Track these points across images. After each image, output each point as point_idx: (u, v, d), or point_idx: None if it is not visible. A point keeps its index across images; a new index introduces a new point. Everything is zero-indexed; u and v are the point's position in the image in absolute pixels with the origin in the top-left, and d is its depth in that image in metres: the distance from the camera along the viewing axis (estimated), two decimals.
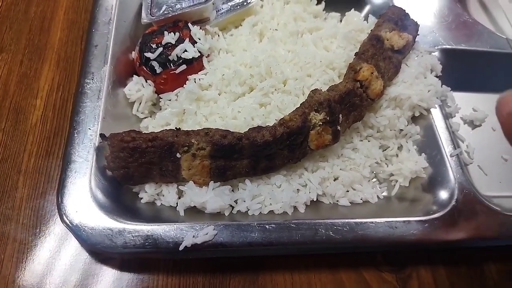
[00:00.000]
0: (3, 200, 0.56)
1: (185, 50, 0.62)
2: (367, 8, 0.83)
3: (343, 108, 0.60)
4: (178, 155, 0.53)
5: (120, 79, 0.64)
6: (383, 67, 0.67)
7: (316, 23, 0.75)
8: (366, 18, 0.80)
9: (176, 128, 0.55)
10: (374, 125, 0.66)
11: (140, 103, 0.63)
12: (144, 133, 0.54)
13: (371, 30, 0.70)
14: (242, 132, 0.55)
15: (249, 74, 0.63)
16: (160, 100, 0.64)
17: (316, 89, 0.59)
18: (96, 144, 0.55)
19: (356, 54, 0.66)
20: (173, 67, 0.62)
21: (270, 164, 0.56)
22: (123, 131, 0.54)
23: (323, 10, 0.80)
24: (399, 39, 0.69)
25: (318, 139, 0.58)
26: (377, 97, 0.64)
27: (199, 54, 0.64)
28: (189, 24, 0.66)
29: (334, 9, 0.82)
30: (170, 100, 0.64)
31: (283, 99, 0.61)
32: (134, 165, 0.53)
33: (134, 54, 0.67)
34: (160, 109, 0.65)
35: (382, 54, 0.67)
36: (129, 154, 0.53)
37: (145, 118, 0.64)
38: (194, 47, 0.63)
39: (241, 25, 0.74)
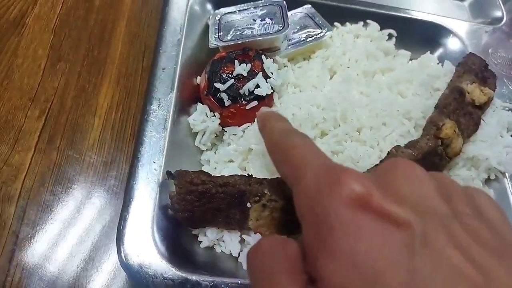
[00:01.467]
0: None
1: (258, 86, 0.58)
2: (439, 51, 0.79)
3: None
4: (248, 204, 0.49)
5: (184, 106, 0.60)
6: (464, 124, 0.62)
7: (389, 63, 0.71)
8: (438, 61, 0.75)
9: (248, 174, 0.51)
10: None
11: (203, 135, 0.59)
12: (214, 176, 0.50)
13: (450, 81, 0.66)
14: None
15: (322, 117, 0.59)
16: (225, 133, 0.61)
17: (398, 146, 0.54)
18: (160, 180, 0.51)
19: (436, 106, 0.62)
20: (243, 102, 0.58)
21: None
22: (190, 171, 0.50)
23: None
24: (480, 94, 0.64)
25: None
26: (455, 156, 0.60)
27: (272, 91, 0.59)
28: (262, 56, 0.61)
29: (404, 46, 0.78)
30: (235, 135, 0.60)
31: (357, 148, 0.57)
32: (200, 209, 0.50)
33: (199, 80, 0.63)
34: (223, 142, 0.61)
35: (463, 109, 0.63)
36: (196, 197, 0.49)
37: (207, 150, 0.60)
38: (266, 82, 0.59)
39: (310, 57, 0.70)
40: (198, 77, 0.64)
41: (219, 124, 0.60)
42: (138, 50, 0.68)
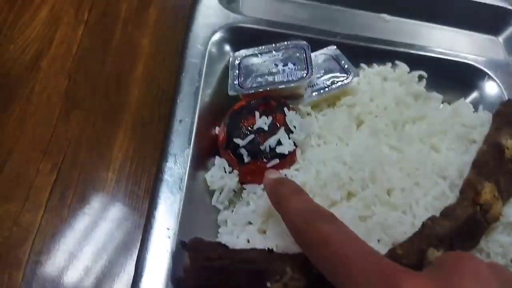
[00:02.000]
0: None
1: (280, 142, 0.55)
2: (473, 94, 0.74)
3: (460, 238, 0.51)
4: (268, 284, 0.45)
5: (201, 160, 0.57)
6: (503, 184, 0.57)
7: (420, 110, 0.66)
8: (473, 106, 0.70)
9: (268, 249, 0.47)
10: (484, 249, 0.57)
11: (220, 192, 0.56)
12: (232, 250, 0.47)
13: (488, 133, 0.61)
14: None
15: (349, 176, 0.55)
16: (244, 191, 0.57)
17: (434, 218, 0.50)
18: (173, 249, 0.48)
19: (473, 164, 0.57)
20: (264, 160, 0.54)
21: None
22: (206, 241, 0.47)
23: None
24: None
25: None
26: (495, 222, 0.55)
27: (294, 147, 0.56)
28: (285, 109, 0.58)
29: (435, 88, 0.73)
30: (255, 193, 0.56)
31: (388, 215, 0.53)
32: (215, 285, 0.46)
33: (218, 131, 0.60)
34: (241, 199, 0.57)
35: (502, 168, 0.58)
36: (212, 274, 0.45)
37: (224, 209, 0.56)
38: (289, 138, 0.55)
39: (335, 104, 0.65)
40: (217, 127, 0.60)
41: (238, 180, 0.57)
42: (155, 96, 0.65)
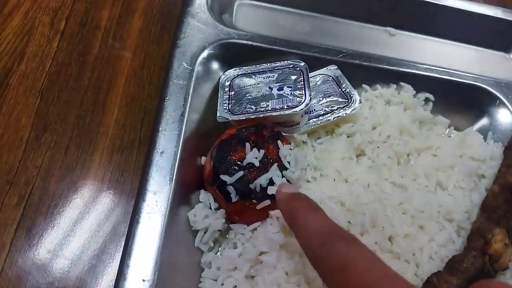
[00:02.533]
0: None
1: (271, 181, 0.49)
2: (483, 120, 0.68)
3: None
4: None
5: (184, 195, 0.52)
6: None
7: (425, 140, 0.61)
8: (481, 132, 0.65)
9: None
10: None
11: (204, 233, 0.51)
12: None
13: (499, 170, 0.56)
14: None
15: (347, 221, 0.49)
16: (230, 230, 0.52)
17: (439, 274, 0.45)
18: None
19: (482, 208, 0.52)
20: (253, 200, 0.49)
21: None
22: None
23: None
24: None
25: None
26: (504, 270, 0.50)
27: None
28: (279, 142, 0.52)
29: (442, 111, 0.67)
30: (243, 234, 0.51)
31: (389, 263, 0.47)
32: None
33: (204, 161, 0.54)
34: (227, 238, 0.52)
35: None
36: None
37: (208, 251, 0.51)
38: (282, 176, 0.50)
39: (333, 131, 0.60)
40: (203, 157, 0.55)
41: (225, 219, 0.52)
42: (137, 117, 0.59)
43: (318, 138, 0.59)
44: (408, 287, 0.27)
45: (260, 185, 0.49)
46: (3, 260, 0.47)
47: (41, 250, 0.48)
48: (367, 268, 0.29)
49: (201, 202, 0.52)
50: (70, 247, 0.49)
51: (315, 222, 0.36)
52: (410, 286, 0.27)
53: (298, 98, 0.56)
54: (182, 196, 0.51)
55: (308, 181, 0.54)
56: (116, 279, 0.43)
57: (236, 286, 0.48)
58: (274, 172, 0.49)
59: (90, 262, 0.49)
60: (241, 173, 0.49)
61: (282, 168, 0.51)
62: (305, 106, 0.55)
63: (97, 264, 0.49)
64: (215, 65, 0.62)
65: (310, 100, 0.56)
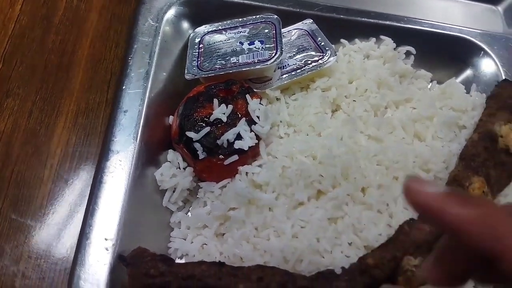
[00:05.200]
0: None
1: (239, 136, 0.47)
2: (467, 72, 0.65)
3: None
4: None
5: (152, 155, 0.50)
6: (494, 177, 0.50)
7: (405, 92, 0.58)
8: (465, 85, 0.62)
9: (219, 262, 0.40)
10: None
11: (173, 192, 0.49)
12: (176, 265, 0.40)
13: (480, 119, 0.54)
14: (308, 276, 0.40)
15: (319, 174, 0.48)
16: (200, 189, 0.50)
17: (412, 221, 0.43)
18: (111, 264, 0.41)
19: (461, 156, 0.50)
20: (220, 156, 0.47)
21: None
22: (149, 253, 0.41)
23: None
24: None
25: (406, 286, 0.43)
26: None
27: (256, 141, 0.48)
28: (248, 97, 0.50)
29: (424, 65, 0.65)
30: (212, 192, 0.49)
31: (361, 214, 0.46)
32: None
33: (171, 120, 0.53)
34: (197, 198, 0.51)
35: (494, 159, 0.51)
36: None
37: (178, 210, 0.50)
38: (250, 130, 0.48)
39: (309, 87, 0.58)
40: (171, 117, 0.53)
41: (194, 176, 0.50)
42: (103, 79, 0.57)
43: (293, 94, 0.57)
44: None
45: (228, 140, 0.47)
46: None
47: (5, 215, 0.47)
48: None
49: (169, 161, 0.50)
50: (34, 211, 0.48)
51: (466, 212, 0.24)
52: None
53: (269, 52, 0.54)
54: (149, 156, 0.49)
55: (281, 137, 0.53)
56: (78, 239, 0.42)
57: (206, 244, 0.47)
58: (242, 126, 0.48)
59: (55, 226, 0.47)
60: (207, 129, 0.48)
61: (251, 122, 0.49)
62: (276, 60, 0.52)
63: (62, 227, 0.47)
64: (184, 24, 0.60)
65: (282, 53, 0.53)
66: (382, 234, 0.46)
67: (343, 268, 0.41)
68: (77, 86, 0.56)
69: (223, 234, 0.48)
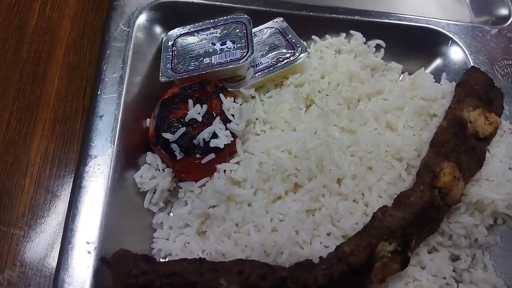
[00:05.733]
0: None
1: (215, 135, 0.48)
2: (437, 61, 0.67)
3: (416, 227, 0.46)
4: None
5: (130, 158, 0.51)
6: (465, 162, 0.52)
7: (375, 85, 0.60)
8: (435, 75, 0.64)
9: (200, 258, 0.41)
10: (446, 231, 0.52)
11: (153, 194, 0.50)
12: (158, 264, 0.41)
13: (449, 106, 0.55)
14: (287, 267, 0.42)
15: (295, 167, 0.49)
16: (180, 189, 0.51)
17: (384, 208, 0.45)
18: (95, 267, 0.42)
19: (432, 143, 0.52)
20: (197, 155, 0.48)
21: None
22: (131, 254, 0.41)
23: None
24: (485, 125, 0.54)
25: (383, 272, 0.44)
26: (456, 204, 0.51)
27: (232, 139, 0.49)
28: (221, 96, 0.51)
29: (395, 57, 0.67)
30: (192, 191, 0.50)
31: (337, 205, 0.48)
32: None
33: (148, 123, 0.53)
34: (178, 198, 0.52)
35: (464, 144, 0.53)
36: None
37: (159, 211, 0.51)
38: (226, 129, 0.49)
39: (282, 84, 0.59)
40: (148, 120, 0.54)
41: (174, 177, 0.51)
42: (78, 86, 0.57)
43: (267, 92, 0.58)
44: None
45: (204, 139, 0.48)
46: None
47: None
48: None
49: (148, 163, 0.51)
50: (17, 219, 0.48)
51: None
52: None
53: (241, 51, 0.55)
54: (128, 159, 0.50)
55: (258, 134, 0.54)
56: (61, 243, 0.43)
57: (188, 243, 0.48)
58: (217, 125, 0.49)
59: (38, 233, 0.48)
60: (183, 129, 0.49)
61: (226, 121, 0.50)
62: (248, 59, 0.54)
63: (45, 234, 0.48)
64: (157, 28, 0.60)
65: (253, 52, 0.54)
66: (358, 223, 0.47)
67: (320, 257, 0.42)
68: (53, 94, 0.56)
69: (205, 232, 0.49)
